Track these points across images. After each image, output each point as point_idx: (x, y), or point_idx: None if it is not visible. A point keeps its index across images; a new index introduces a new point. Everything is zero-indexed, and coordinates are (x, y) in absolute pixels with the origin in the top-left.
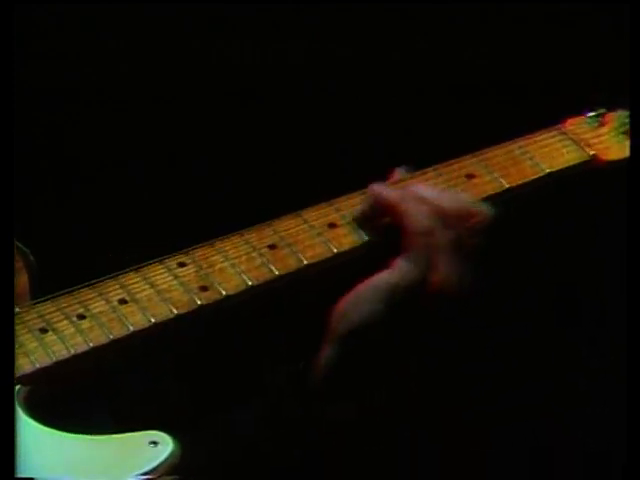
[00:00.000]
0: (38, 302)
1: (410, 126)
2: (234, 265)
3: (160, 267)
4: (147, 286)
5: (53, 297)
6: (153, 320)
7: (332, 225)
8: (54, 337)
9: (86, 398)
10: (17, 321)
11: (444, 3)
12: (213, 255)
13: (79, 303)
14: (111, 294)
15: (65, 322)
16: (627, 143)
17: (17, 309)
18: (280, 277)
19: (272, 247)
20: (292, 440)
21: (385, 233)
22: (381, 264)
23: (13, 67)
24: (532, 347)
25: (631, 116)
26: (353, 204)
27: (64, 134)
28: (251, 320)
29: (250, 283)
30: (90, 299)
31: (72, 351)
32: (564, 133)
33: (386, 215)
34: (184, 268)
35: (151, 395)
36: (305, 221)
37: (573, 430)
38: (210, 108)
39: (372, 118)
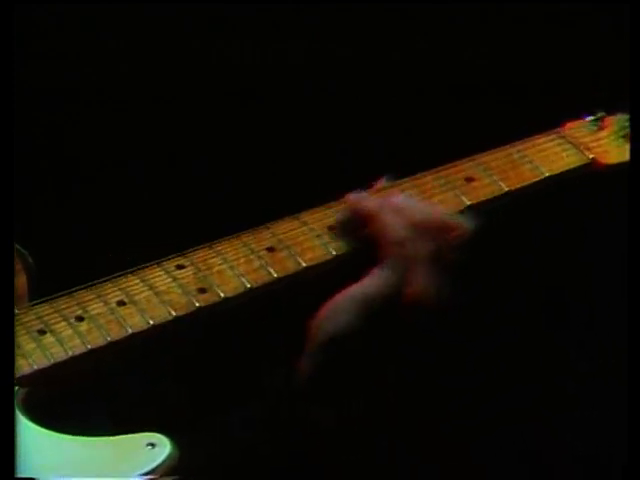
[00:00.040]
0: (36, 304)
1: (410, 127)
2: (232, 267)
3: (158, 269)
4: (145, 288)
5: (51, 299)
6: (151, 322)
7: (331, 228)
8: (52, 339)
9: (84, 400)
10: (15, 323)
11: (444, 3)
12: (211, 257)
13: (77, 305)
14: (109, 296)
15: (63, 324)
16: (626, 147)
17: (15, 311)
18: (279, 280)
19: (271, 250)
20: (290, 442)
21: (363, 242)
22: (361, 273)
23: (13, 67)
24: (521, 351)
25: (631, 120)
26: None
27: (64, 134)
28: (249, 322)
29: (248, 285)
30: (88, 301)
31: (70, 353)
32: (563, 137)
33: (363, 224)
34: (182, 270)
35: (149, 397)
36: (304, 224)
37: (562, 434)
38: (210, 108)
39: (372, 118)
